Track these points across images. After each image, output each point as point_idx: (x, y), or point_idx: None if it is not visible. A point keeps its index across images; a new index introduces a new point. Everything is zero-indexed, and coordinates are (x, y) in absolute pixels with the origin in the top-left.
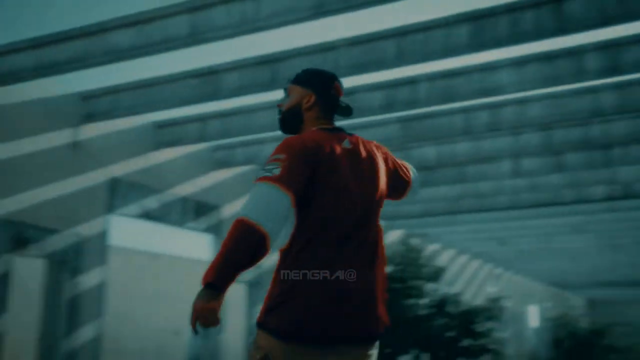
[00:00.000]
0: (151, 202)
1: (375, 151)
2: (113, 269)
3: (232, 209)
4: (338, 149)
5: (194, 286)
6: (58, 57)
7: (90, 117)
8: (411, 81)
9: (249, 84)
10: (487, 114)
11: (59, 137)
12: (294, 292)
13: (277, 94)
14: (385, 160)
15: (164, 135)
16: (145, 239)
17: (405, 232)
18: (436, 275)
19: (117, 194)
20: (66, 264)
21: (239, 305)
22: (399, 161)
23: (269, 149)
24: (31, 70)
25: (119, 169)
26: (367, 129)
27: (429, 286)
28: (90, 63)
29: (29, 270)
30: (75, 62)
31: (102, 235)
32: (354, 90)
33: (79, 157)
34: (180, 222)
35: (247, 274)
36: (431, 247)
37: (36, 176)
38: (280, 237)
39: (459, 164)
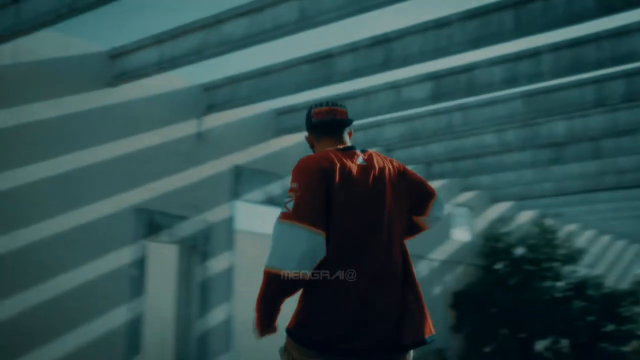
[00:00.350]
0: (274, 188)
1: (390, 165)
2: (240, 252)
3: None
4: (352, 166)
5: None
6: (178, 50)
7: (212, 108)
8: (534, 53)
9: (363, 66)
10: (622, 83)
11: (184, 128)
12: (322, 305)
13: (393, 74)
14: (403, 173)
15: (284, 121)
16: (268, 223)
17: (538, 213)
18: (574, 256)
19: (241, 181)
20: (196, 249)
21: None
22: (418, 175)
23: (389, 132)
24: (155, 66)
25: (242, 157)
26: (489, 107)
27: (566, 268)
28: (207, 54)
29: (161, 256)
30: (193, 55)
31: (229, 221)
32: (471, 67)
33: (203, 146)
34: None
35: None
36: (567, 228)
37: (164, 166)
38: (319, 256)
39: (592, 138)
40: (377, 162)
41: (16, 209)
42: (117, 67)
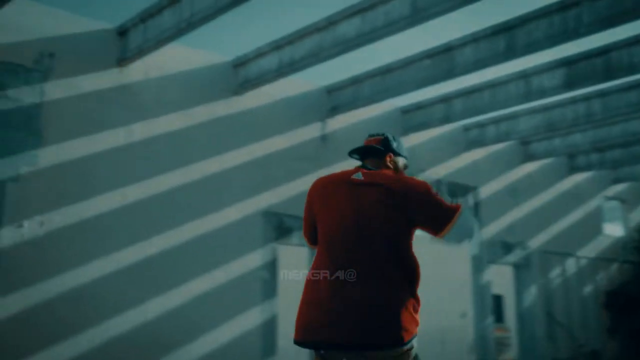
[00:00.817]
0: None
1: (389, 184)
2: None
3: (488, 190)
4: (338, 182)
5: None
6: (295, 55)
7: (336, 110)
8: None
9: (485, 56)
10: None
11: (308, 132)
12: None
13: (516, 64)
14: (397, 194)
15: (410, 119)
16: None
17: None
18: None
19: None
20: None
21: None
22: (433, 202)
23: (523, 124)
24: (275, 72)
25: None
26: (633, 91)
27: None
28: (323, 56)
29: (291, 258)
30: (310, 58)
31: None
32: (605, 49)
33: (327, 149)
34: None
35: (513, 257)
36: None
37: (291, 170)
38: None
39: None
40: (373, 178)
41: (158, 215)
42: (240, 75)
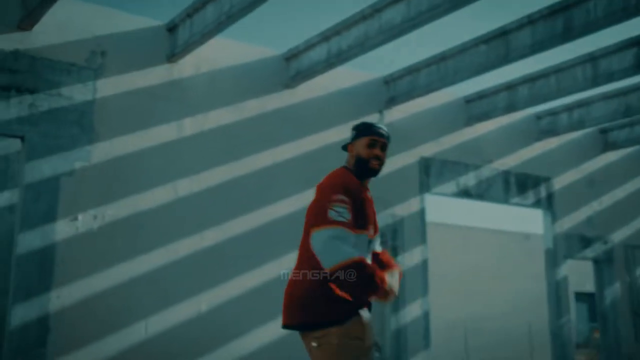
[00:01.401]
0: (468, 179)
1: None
2: (431, 245)
3: (563, 181)
4: None
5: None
6: (342, 45)
7: (393, 100)
8: None
9: (543, 39)
10: None
11: None
12: None
13: (574, 48)
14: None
15: (474, 108)
16: (456, 213)
17: None
18: None
19: (429, 173)
20: (386, 243)
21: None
22: (319, 204)
23: (598, 110)
24: (324, 62)
25: (429, 148)
26: None
27: None
28: (369, 45)
29: None
30: (357, 47)
31: (419, 214)
32: None
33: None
34: (502, 198)
35: (592, 251)
36: None
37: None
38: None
39: None
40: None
41: (209, 209)
42: (292, 68)
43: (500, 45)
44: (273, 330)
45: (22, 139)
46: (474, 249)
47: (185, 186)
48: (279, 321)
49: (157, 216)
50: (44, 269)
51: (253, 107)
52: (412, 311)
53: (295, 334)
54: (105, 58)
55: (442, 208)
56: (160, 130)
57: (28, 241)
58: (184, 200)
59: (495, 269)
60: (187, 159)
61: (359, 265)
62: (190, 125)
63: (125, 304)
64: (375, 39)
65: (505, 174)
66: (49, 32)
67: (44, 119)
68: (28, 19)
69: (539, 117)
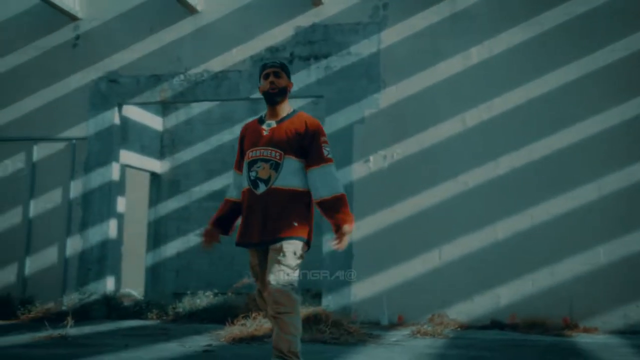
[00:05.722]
0: None
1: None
2: None
3: None
4: None
5: None
6: None
7: None
8: None
9: None
10: None
11: None
12: None
13: None
14: None
15: None
16: None
17: None
18: None
19: None
20: None
21: None
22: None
23: None
24: None
25: None
26: None
27: None
28: None
29: None
30: None
31: None
32: None
33: None
34: None
35: None
36: None
37: None
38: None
39: None
40: None
41: (501, 136)
42: None
43: None
44: (584, 259)
45: (322, 97)
46: None
47: (474, 116)
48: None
49: (445, 149)
50: None
51: (547, 20)
52: None
53: None
54: (387, 9)
55: None
56: (446, 65)
57: None
58: (472, 130)
59: None
60: (475, 89)
61: None
62: (476, 54)
63: (419, 233)
64: None
65: None
66: (336, 1)
67: (337, 77)
68: None
69: None
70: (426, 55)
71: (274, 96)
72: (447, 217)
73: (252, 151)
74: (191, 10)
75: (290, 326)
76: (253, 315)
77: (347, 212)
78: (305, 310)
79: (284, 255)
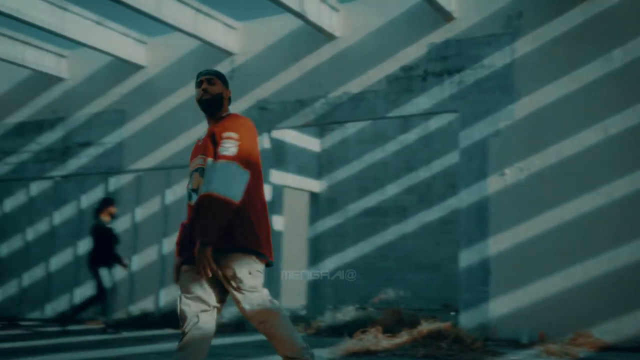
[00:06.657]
0: None
1: None
2: None
3: None
4: None
5: None
6: None
7: None
8: None
9: None
10: None
11: None
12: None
13: None
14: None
15: None
16: None
17: None
18: None
19: None
20: None
21: None
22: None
23: None
24: None
25: None
26: None
27: None
28: None
29: None
30: None
31: None
32: None
33: None
34: None
35: None
36: None
37: None
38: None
39: None
40: None
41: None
42: None
43: None
44: None
45: (456, 112)
46: None
47: (618, 123)
48: None
49: (586, 160)
50: (480, 220)
51: None
52: None
53: None
54: (521, 18)
55: None
56: (584, 71)
57: (467, 197)
58: (615, 138)
59: None
60: (618, 93)
61: None
62: (620, 56)
63: (559, 247)
64: None
65: None
66: (468, 15)
67: (470, 91)
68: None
69: None
70: (562, 62)
71: (208, 104)
72: (588, 230)
73: (190, 165)
74: (329, 37)
75: (283, 330)
76: (372, 330)
77: (209, 220)
78: (429, 327)
79: (241, 281)
